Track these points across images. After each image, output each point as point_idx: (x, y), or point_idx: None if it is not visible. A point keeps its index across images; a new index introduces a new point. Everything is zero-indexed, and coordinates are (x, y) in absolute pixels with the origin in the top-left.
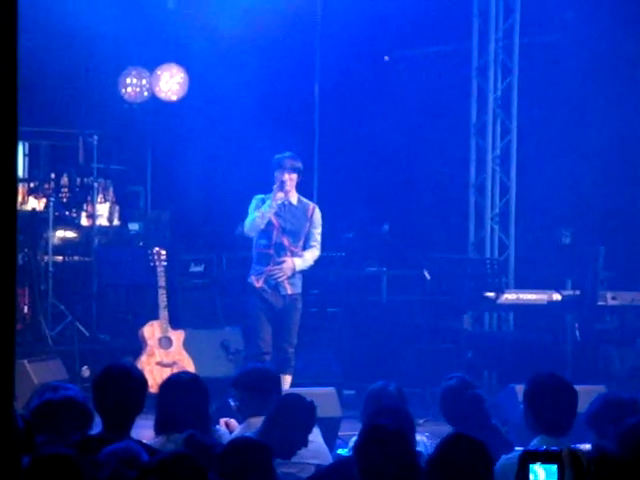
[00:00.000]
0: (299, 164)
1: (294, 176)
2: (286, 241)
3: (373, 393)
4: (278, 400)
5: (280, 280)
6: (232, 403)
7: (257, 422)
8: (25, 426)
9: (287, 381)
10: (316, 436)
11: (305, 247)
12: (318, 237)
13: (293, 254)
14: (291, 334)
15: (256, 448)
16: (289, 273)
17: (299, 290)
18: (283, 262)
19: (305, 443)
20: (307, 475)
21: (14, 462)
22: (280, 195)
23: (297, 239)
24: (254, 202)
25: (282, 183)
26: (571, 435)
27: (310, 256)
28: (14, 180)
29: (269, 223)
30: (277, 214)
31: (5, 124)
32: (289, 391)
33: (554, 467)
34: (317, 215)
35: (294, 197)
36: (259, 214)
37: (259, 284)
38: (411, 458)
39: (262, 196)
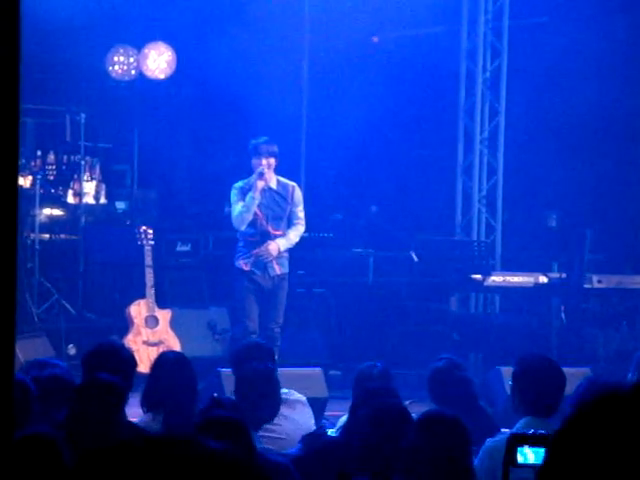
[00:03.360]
0: (275, 148)
1: (272, 161)
2: (270, 228)
3: (362, 373)
4: (239, 374)
5: (267, 261)
6: None
7: None
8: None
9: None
10: (305, 416)
11: (289, 226)
12: (301, 214)
13: (277, 237)
14: (278, 314)
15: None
16: (275, 254)
17: (286, 270)
18: (268, 245)
19: (276, 410)
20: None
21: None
22: (260, 184)
23: (280, 222)
24: (234, 191)
25: (261, 173)
26: (557, 417)
27: (294, 235)
28: (15, 168)
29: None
30: (259, 203)
31: (7, 110)
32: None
33: (542, 450)
34: (297, 194)
35: (273, 181)
36: (244, 209)
37: (247, 267)
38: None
39: (241, 184)
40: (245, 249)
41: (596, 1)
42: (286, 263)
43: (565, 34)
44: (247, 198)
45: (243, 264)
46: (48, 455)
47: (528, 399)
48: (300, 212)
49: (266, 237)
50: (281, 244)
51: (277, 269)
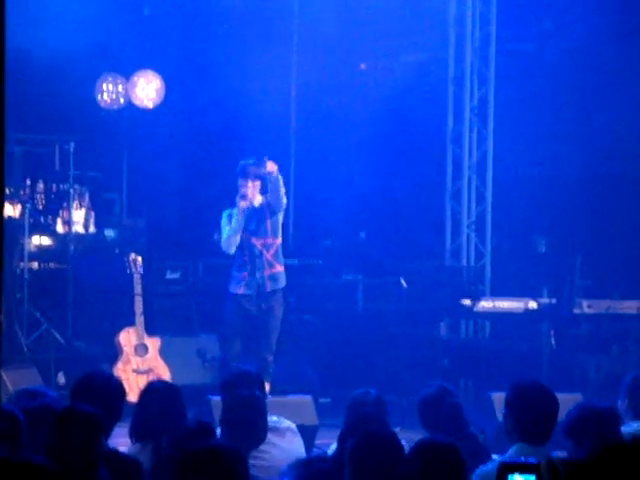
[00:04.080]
0: (263, 170)
1: (257, 183)
2: (255, 241)
3: (355, 400)
4: (226, 400)
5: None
6: None
7: None
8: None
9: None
10: (295, 445)
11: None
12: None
13: (265, 246)
14: (269, 341)
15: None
16: (256, 195)
17: (281, 285)
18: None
19: (263, 437)
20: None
21: None
22: (243, 204)
23: (264, 232)
24: (225, 217)
25: (244, 195)
26: (549, 444)
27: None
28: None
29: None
30: (245, 223)
31: None
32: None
33: (532, 478)
34: (279, 179)
35: (257, 200)
36: (231, 232)
37: (242, 291)
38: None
39: (229, 210)
40: (237, 272)
41: (582, 28)
42: (281, 279)
43: (553, 61)
44: (233, 221)
45: (237, 288)
46: None
47: (521, 426)
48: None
49: (253, 252)
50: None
51: (268, 285)
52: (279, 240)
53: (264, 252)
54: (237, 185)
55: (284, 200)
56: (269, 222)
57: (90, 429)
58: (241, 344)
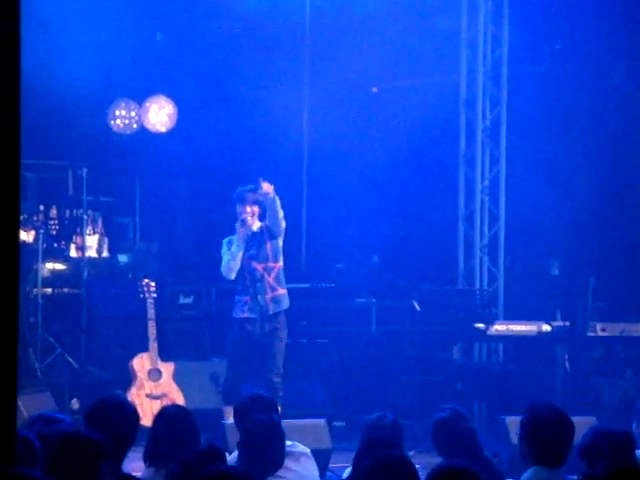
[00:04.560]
0: (260, 193)
1: (255, 209)
2: (257, 265)
3: (371, 423)
4: (244, 426)
5: (262, 302)
6: None
7: None
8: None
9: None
10: (310, 469)
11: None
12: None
13: (267, 270)
14: (276, 363)
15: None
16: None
17: (284, 307)
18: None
19: (280, 461)
20: None
21: None
22: (242, 231)
23: (265, 256)
24: (224, 245)
25: (243, 220)
26: (565, 467)
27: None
28: (17, 215)
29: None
30: (246, 248)
31: (8, 167)
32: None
33: None
34: (277, 201)
35: (256, 225)
36: (230, 257)
37: (245, 315)
38: None
39: (229, 238)
40: (240, 296)
41: (594, 48)
42: (284, 301)
43: (565, 82)
44: (232, 247)
45: (240, 312)
46: None
47: (537, 449)
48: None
49: (254, 276)
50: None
51: (270, 308)
52: (280, 264)
53: (265, 276)
54: (235, 212)
55: (283, 224)
56: (269, 246)
57: (90, 454)
58: (246, 368)
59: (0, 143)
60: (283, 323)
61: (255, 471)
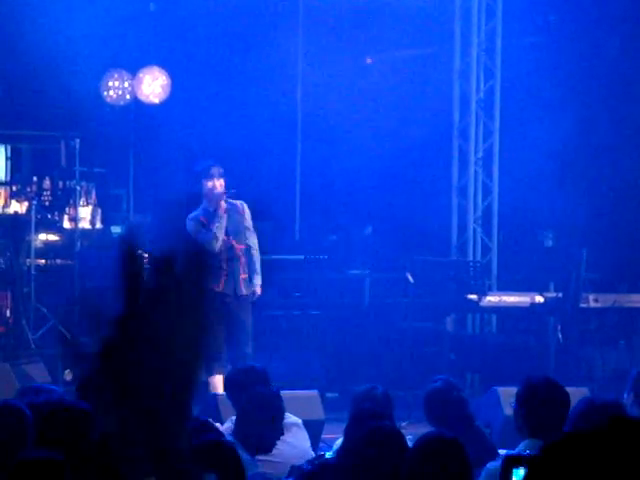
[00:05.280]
0: (222, 170)
1: (222, 181)
2: (234, 242)
3: (361, 395)
4: (244, 398)
5: (236, 282)
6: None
7: None
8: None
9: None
10: (302, 440)
11: (248, 244)
12: (252, 229)
13: (243, 251)
14: (248, 335)
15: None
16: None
17: (250, 291)
18: (254, 291)
19: (280, 432)
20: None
21: None
22: (223, 206)
23: (239, 236)
24: (191, 223)
25: (219, 195)
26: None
27: (256, 252)
28: None
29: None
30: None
31: None
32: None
33: None
34: (247, 210)
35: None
36: (218, 231)
37: (220, 288)
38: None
39: (196, 213)
40: (215, 270)
41: (588, 20)
42: (251, 285)
43: (558, 54)
44: (217, 228)
45: (215, 286)
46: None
47: (532, 421)
48: (251, 227)
49: (231, 252)
50: (259, 281)
51: (244, 290)
52: (255, 251)
53: (241, 257)
54: (201, 188)
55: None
56: (244, 234)
57: (77, 424)
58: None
59: None
60: (249, 304)
61: (256, 443)
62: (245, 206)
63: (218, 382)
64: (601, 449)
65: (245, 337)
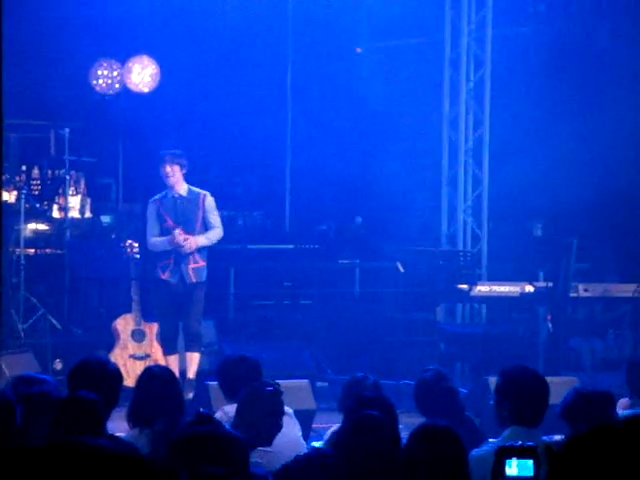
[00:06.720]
0: (182, 159)
1: (176, 167)
2: (182, 231)
3: (351, 385)
4: (244, 391)
5: (188, 252)
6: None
7: (231, 410)
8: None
9: (196, 359)
10: (293, 429)
11: (206, 230)
12: (215, 220)
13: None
14: (197, 318)
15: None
16: (194, 247)
17: (203, 279)
18: (186, 240)
19: (279, 427)
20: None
21: None
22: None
23: (191, 227)
24: (151, 206)
25: (171, 182)
26: (543, 426)
27: (212, 235)
28: None
29: (164, 221)
30: (168, 211)
31: None
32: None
33: (530, 462)
34: (209, 201)
35: (183, 188)
36: (159, 244)
37: (165, 276)
38: (398, 448)
39: (158, 196)
40: (164, 259)
41: (578, 10)
42: (203, 273)
43: (548, 43)
44: (163, 243)
45: (162, 274)
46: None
47: (513, 408)
48: (215, 218)
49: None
50: (199, 240)
51: (192, 277)
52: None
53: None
54: (161, 175)
55: (220, 233)
56: (198, 226)
57: (94, 416)
58: (175, 320)
59: None
60: (202, 291)
61: (255, 438)
62: (208, 197)
63: (174, 362)
64: (624, 443)
65: (195, 321)
